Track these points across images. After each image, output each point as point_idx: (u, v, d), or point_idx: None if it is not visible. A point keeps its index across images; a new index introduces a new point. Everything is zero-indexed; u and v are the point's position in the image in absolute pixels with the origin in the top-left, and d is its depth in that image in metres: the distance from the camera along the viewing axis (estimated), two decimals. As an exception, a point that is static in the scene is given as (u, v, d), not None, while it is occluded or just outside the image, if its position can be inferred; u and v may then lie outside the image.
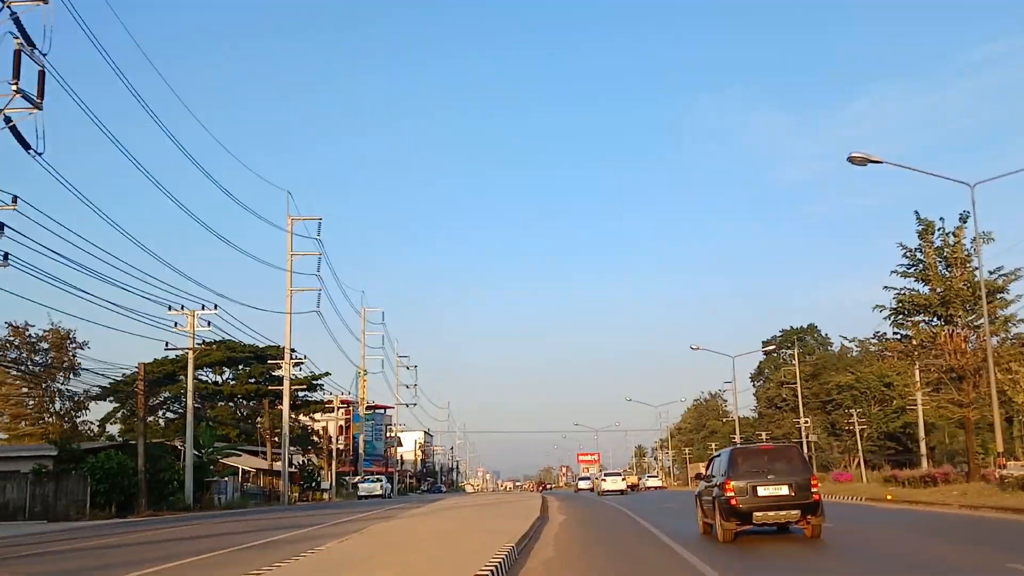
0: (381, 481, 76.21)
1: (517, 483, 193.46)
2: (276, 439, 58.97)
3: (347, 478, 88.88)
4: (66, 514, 34.98)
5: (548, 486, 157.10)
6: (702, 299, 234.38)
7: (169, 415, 77.60)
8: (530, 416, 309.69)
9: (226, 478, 49.17)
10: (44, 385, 74.09)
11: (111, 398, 74.60)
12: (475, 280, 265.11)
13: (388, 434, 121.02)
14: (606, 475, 58.76)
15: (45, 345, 73.87)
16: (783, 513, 15.67)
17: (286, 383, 58.07)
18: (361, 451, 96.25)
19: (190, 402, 42.04)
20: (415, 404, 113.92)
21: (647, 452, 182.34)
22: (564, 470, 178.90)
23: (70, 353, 74.68)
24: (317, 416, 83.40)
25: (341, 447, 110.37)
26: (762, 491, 15.63)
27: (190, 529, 25.67)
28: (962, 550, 14.81)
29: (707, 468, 18.79)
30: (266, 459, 56.81)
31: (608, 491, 52.78)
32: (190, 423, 41.65)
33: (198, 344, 68.69)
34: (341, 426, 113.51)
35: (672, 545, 16.03)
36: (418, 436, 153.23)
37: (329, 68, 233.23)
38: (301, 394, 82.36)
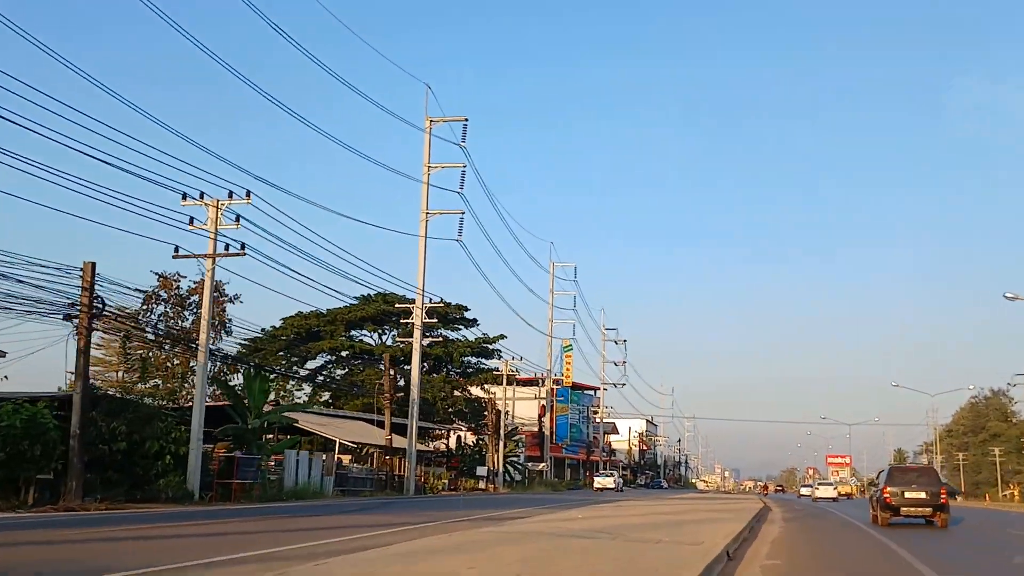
0: (614, 475, 76.46)
1: (759, 483, 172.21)
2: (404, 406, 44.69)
3: (530, 464, 74.00)
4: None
5: (777, 489, 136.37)
6: (982, 282, 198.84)
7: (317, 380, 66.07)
8: (773, 407, 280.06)
9: (310, 454, 35.15)
10: (192, 344, 64.70)
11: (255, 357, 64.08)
12: (702, 250, 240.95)
13: (596, 418, 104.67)
14: (819, 484, 67.02)
15: (196, 299, 64.45)
16: (920, 509, 23.39)
17: (416, 333, 43.48)
18: (548, 433, 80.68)
19: (203, 336, 27.99)
20: (624, 384, 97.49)
21: (908, 456, 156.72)
22: (811, 472, 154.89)
23: (220, 307, 64.95)
24: (493, 389, 68.57)
25: (547, 431, 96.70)
26: (908, 495, 23.25)
27: None
28: None
29: (876, 478, 27.98)
30: (385, 430, 42.09)
31: (821, 498, 59.74)
32: (202, 366, 27.56)
33: (350, 300, 56.38)
34: (543, 406, 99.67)
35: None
36: (635, 424, 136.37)
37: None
38: (473, 360, 68.37)
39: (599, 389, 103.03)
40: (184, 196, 27.64)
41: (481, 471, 53.73)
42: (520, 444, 72.70)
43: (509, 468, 66.35)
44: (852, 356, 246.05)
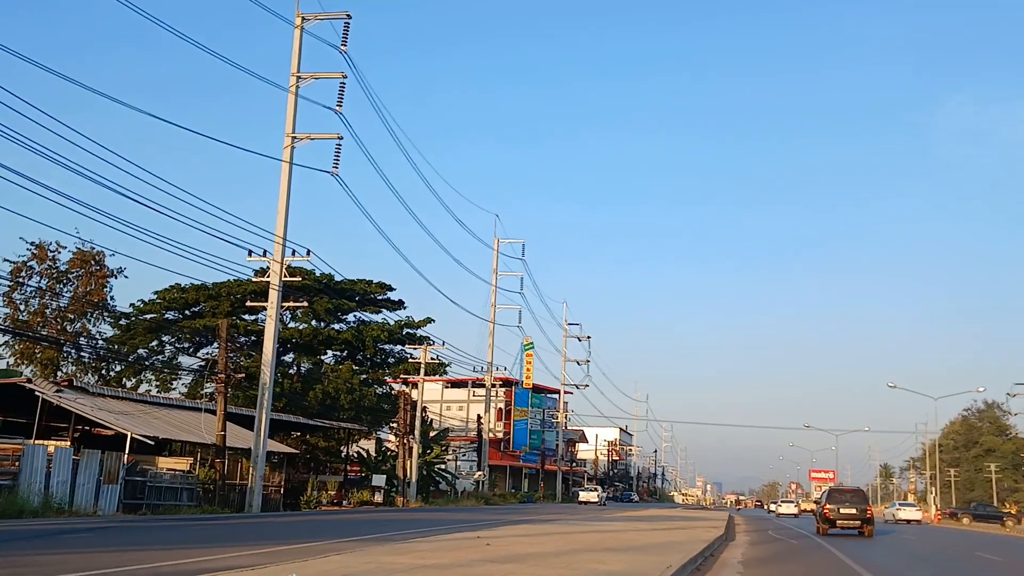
0: (598, 491, 78.61)
1: (741, 497, 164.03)
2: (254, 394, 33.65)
3: (454, 474, 63.27)
4: None
5: (757, 504, 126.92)
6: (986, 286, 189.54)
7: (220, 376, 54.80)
8: (759, 416, 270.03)
9: (76, 451, 24.33)
10: (68, 324, 53.90)
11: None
12: (675, 246, 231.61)
13: (558, 425, 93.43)
14: (782, 502, 74.27)
15: (75, 272, 53.68)
16: (852, 523, 29.41)
17: (272, 294, 32.62)
18: (488, 437, 69.68)
19: None
20: (587, 385, 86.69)
21: (894, 472, 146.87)
22: (794, 487, 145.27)
23: (99, 282, 54.10)
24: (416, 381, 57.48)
25: (500, 435, 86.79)
26: (842, 511, 29.23)
27: None
28: None
29: (820, 497, 35.53)
30: (218, 421, 31.00)
31: (783, 514, 66.98)
32: None
33: (245, 274, 45.29)
34: (500, 409, 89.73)
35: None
36: (608, 433, 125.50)
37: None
38: (397, 349, 57.44)
39: (563, 392, 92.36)
40: None
41: (378, 480, 42.55)
42: (448, 449, 61.66)
43: (435, 478, 55.43)
44: (846, 358, 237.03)
